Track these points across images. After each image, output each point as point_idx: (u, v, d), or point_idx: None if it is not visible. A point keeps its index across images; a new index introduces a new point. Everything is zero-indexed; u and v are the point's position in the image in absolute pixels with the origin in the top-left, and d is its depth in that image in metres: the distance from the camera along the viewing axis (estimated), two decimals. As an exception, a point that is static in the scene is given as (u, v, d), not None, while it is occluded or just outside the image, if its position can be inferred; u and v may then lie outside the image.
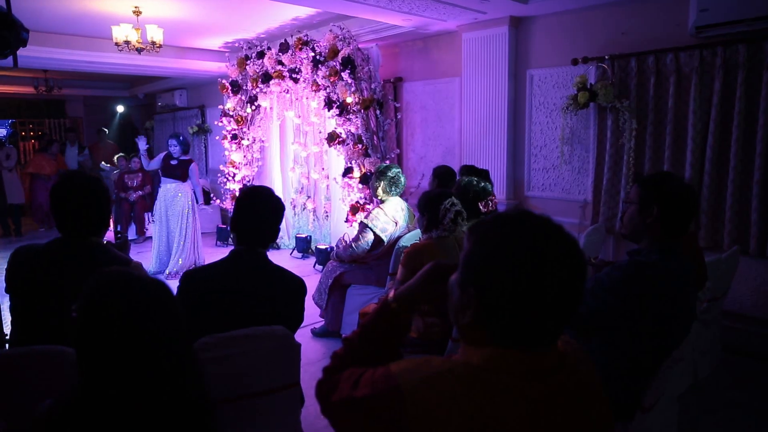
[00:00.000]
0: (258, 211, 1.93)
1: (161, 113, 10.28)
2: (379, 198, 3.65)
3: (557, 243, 0.86)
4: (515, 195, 4.83)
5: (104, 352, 1.05)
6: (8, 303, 1.94)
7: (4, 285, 1.91)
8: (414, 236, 3.56)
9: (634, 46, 3.87)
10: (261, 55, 6.40)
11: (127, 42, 4.99)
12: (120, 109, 10.57)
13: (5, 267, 1.93)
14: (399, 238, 3.54)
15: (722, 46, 3.44)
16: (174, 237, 5.60)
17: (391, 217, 3.54)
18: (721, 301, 2.98)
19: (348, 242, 3.58)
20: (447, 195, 2.62)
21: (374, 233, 3.48)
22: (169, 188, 5.61)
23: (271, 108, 6.88)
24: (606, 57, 3.94)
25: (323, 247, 5.98)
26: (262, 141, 7.20)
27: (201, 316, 1.83)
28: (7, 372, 1.59)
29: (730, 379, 3.19)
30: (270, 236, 1.98)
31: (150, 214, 7.49)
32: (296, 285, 1.98)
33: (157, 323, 1.09)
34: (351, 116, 5.16)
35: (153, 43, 5.11)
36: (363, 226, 3.52)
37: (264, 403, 1.84)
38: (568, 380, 0.90)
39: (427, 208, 2.61)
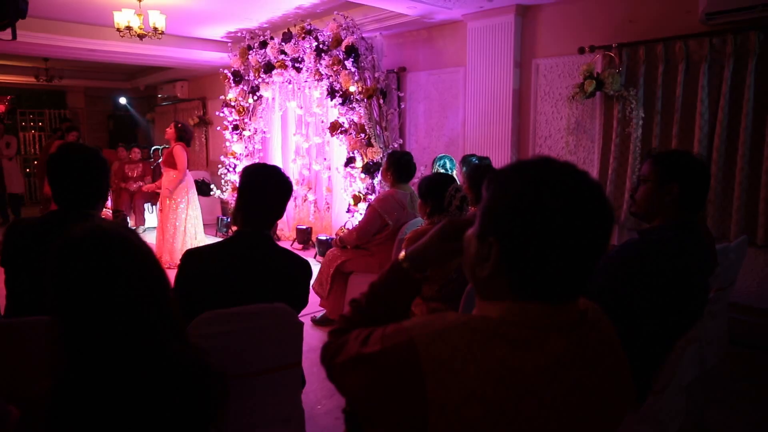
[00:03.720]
0: (266, 191, 1.87)
1: (162, 105, 10.23)
2: (390, 185, 3.61)
3: (584, 187, 0.81)
4: (519, 186, 4.77)
5: (80, 313, 0.99)
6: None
7: (0, 258, 1.87)
8: (419, 223, 3.51)
9: (642, 34, 3.81)
10: (263, 44, 6.35)
11: (129, 28, 4.94)
12: (122, 100, 10.52)
13: (2, 241, 1.89)
14: (403, 225, 3.50)
15: (733, 33, 3.38)
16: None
17: (400, 202, 3.50)
18: (728, 291, 2.93)
19: (355, 226, 3.54)
20: (450, 180, 2.57)
21: (382, 216, 3.44)
22: None
23: (273, 98, 6.82)
24: (613, 45, 3.89)
25: (324, 238, 5.93)
26: (264, 132, 7.15)
27: (202, 293, 1.79)
28: (11, 341, 1.56)
29: (737, 370, 3.15)
30: (277, 217, 1.93)
31: (150, 204, 7.46)
32: (302, 267, 1.93)
33: (131, 278, 1.03)
34: (354, 105, 5.11)
35: (155, 29, 5.06)
36: (372, 209, 3.48)
37: (265, 381, 1.79)
38: (589, 336, 0.86)
39: (431, 194, 2.56)
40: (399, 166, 3.64)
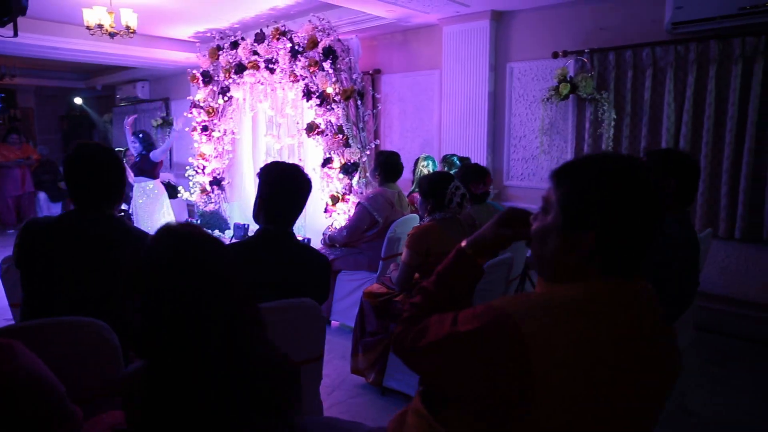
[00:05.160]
0: (287, 189, 1.92)
1: (121, 106, 9.92)
2: (379, 184, 3.68)
3: (649, 178, 0.94)
4: (494, 184, 4.95)
5: (176, 303, 1.02)
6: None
7: (15, 260, 1.83)
8: (408, 221, 3.61)
9: (612, 40, 4.05)
10: (235, 45, 6.29)
11: (100, 26, 4.81)
12: (78, 101, 10.12)
13: (16, 242, 1.85)
14: (392, 223, 3.58)
15: (695, 42, 3.65)
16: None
17: (389, 201, 3.58)
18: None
19: (345, 224, 3.60)
20: (451, 179, 2.67)
21: (371, 214, 3.51)
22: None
23: (243, 99, 6.77)
24: (586, 51, 4.11)
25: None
26: (233, 133, 7.08)
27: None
28: (39, 342, 1.53)
29: (707, 356, 3.40)
30: (298, 214, 1.98)
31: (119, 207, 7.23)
32: (323, 262, 1.99)
33: (227, 276, 1.08)
34: (333, 106, 5.16)
35: (128, 28, 4.95)
36: (362, 207, 3.54)
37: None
38: (648, 307, 0.98)
39: (432, 192, 2.66)
40: (387, 165, 3.72)
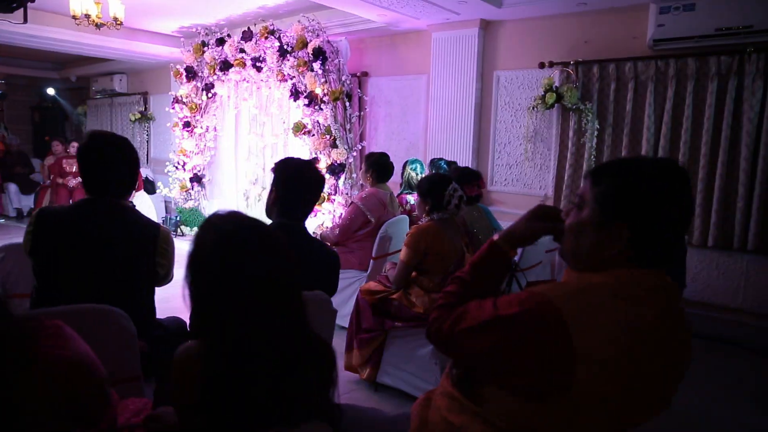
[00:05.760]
0: (301, 184, 1.97)
1: (96, 98, 9.71)
2: (371, 184, 3.75)
3: (683, 178, 1.04)
4: (479, 189, 5.07)
5: (239, 289, 1.07)
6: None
7: (28, 248, 1.83)
8: (399, 222, 3.68)
9: (596, 53, 4.22)
10: (221, 42, 6.28)
11: (87, 16, 4.74)
12: (50, 91, 9.86)
13: (29, 230, 1.84)
14: (383, 223, 3.65)
15: (675, 59, 3.85)
16: None
17: (381, 201, 3.65)
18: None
19: (337, 223, 3.64)
20: (449, 181, 2.76)
21: (364, 213, 3.57)
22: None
23: (228, 96, 6.74)
24: (571, 62, 4.27)
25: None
26: (216, 130, 7.04)
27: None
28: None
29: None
30: (310, 209, 2.03)
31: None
32: (334, 256, 2.05)
33: (285, 260, 1.14)
34: (322, 106, 5.20)
35: (115, 19, 4.89)
36: (355, 207, 3.60)
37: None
38: (672, 297, 1.09)
39: (430, 193, 2.74)
40: (379, 166, 3.79)
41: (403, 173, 4.39)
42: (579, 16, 4.31)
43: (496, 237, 1.28)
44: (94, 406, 1.17)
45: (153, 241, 1.93)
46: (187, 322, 2.39)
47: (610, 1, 4.02)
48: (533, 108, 4.44)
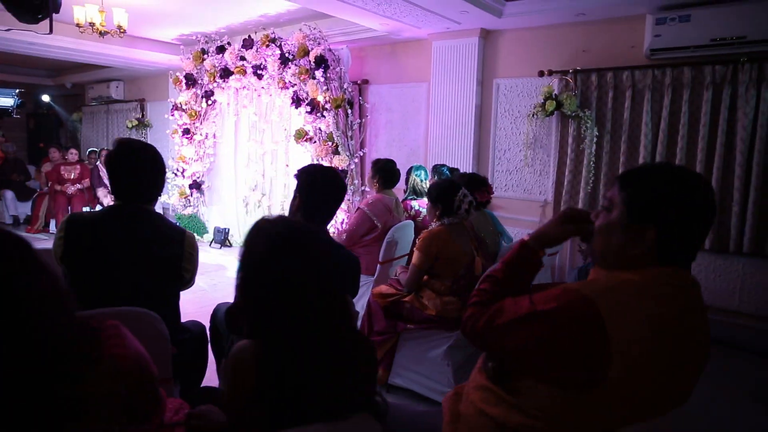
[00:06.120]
0: (325, 190, 2.04)
1: (92, 105, 9.70)
2: (377, 190, 3.81)
3: (706, 184, 1.12)
4: (479, 195, 5.16)
5: (289, 290, 1.13)
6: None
7: (60, 253, 1.87)
8: (405, 227, 3.75)
9: (594, 62, 4.34)
10: (221, 49, 6.34)
11: (91, 24, 4.78)
12: (45, 98, 9.84)
13: (59, 235, 1.89)
14: (390, 228, 3.71)
15: (671, 68, 3.96)
16: None
17: (387, 206, 3.71)
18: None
19: (344, 228, 3.70)
20: (458, 187, 2.84)
21: (371, 219, 3.64)
22: None
23: (228, 104, 6.79)
24: (570, 71, 4.38)
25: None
26: (215, 137, 7.08)
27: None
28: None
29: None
30: (333, 214, 2.10)
31: (89, 208, 7.09)
32: (355, 261, 2.11)
33: (330, 262, 1.20)
34: (325, 113, 5.27)
35: (119, 28, 4.93)
36: (362, 212, 3.66)
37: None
38: (695, 294, 1.16)
39: (441, 199, 2.81)
40: (385, 172, 3.87)
41: (407, 179, 4.47)
42: (578, 26, 4.43)
43: (526, 238, 1.35)
44: (148, 403, 1.22)
45: (180, 246, 1.98)
46: (207, 326, 2.44)
47: (608, 11, 4.14)
48: (533, 115, 4.54)
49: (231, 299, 2.59)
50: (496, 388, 1.26)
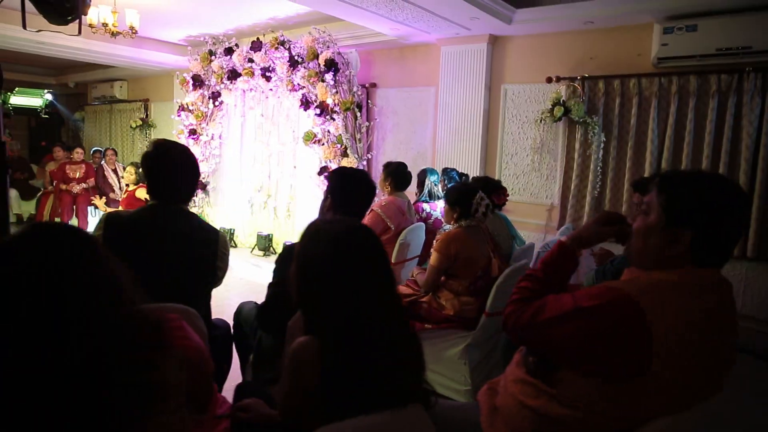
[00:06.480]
0: (363, 191, 2.11)
1: (94, 104, 9.72)
2: (389, 193, 3.87)
3: (741, 190, 1.20)
4: (485, 198, 5.23)
5: (354, 284, 1.19)
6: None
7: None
8: (417, 229, 3.81)
9: (601, 69, 4.43)
10: (229, 51, 6.38)
11: (104, 25, 4.82)
12: (48, 97, 9.84)
13: (97, 233, 1.93)
14: (402, 230, 3.77)
15: (677, 76, 4.06)
16: None
17: (400, 209, 3.78)
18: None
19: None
20: (476, 190, 2.91)
21: (384, 221, 3.70)
22: None
23: (235, 105, 6.84)
24: (578, 77, 4.47)
25: (290, 243, 6.04)
26: (220, 137, 7.12)
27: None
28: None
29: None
30: (364, 215, 2.16)
31: (94, 207, 7.11)
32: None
33: (386, 260, 1.26)
34: (334, 116, 5.33)
35: (131, 28, 4.98)
36: (375, 214, 3.72)
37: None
38: (726, 292, 1.24)
39: (459, 202, 2.88)
40: (397, 175, 3.92)
41: (419, 182, 4.52)
42: (586, 33, 4.51)
43: (564, 238, 1.42)
44: (206, 394, 1.28)
45: (215, 245, 2.04)
46: (231, 323, 2.49)
47: (616, 20, 4.23)
48: (540, 120, 4.63)
49: (245, 298, 2.65)
50: (536, 381, 1.32)
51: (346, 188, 2.09)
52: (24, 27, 2.27)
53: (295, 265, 1.26)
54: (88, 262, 1.01)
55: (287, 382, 1.24)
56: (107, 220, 1.95)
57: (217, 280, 2.11)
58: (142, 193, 5.80)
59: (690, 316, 1.16)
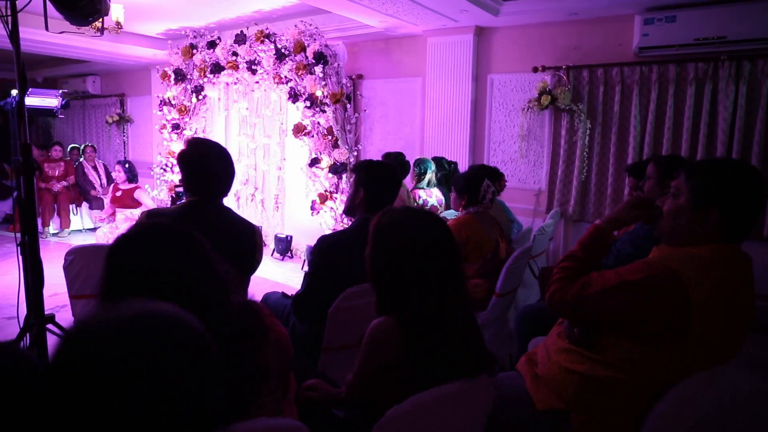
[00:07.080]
0: (390, 183, 2.22)
1: (66, 100, 9.44)
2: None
3: (757, 174, 1.37)
4: (474, 185, 5.40)
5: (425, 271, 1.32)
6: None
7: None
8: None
9: (585, 59, 4.62)
10: (212, 44, 6.34)
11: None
12: (14, 92, 9.51)
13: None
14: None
15: (657, 65, 4.28)
16: None
17: (400, 197, 3.90)
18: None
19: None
20: (482, 178, 3.05)
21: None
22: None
23: (219, 99, 6.81)
24: (563, 67, 4.65)
25: (283, 236, 6.11)
26: (205, 132, 7.08)
27: (337, 272, 2.08)
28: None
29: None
30: (391, 205, 2.27)
31: (75, 206, 7.00)
32: None
33: (453, 241, 1.39)
34: (325, 108, 5.39)
35: (117, 23, 4.91)
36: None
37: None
38: (749, 262, 1.41)
39: (467, 189, 3.02)
40: (397, 165, 4.04)
41: (416, 171, 4.62)
42: (570, 24, 4.70)
43: (598, 222, 1.57)
44: (287, 376, 1.38)
45: (253, 238, 2.12)
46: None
47: (599, 11, 4.42)
48: (527, 109, 4.80)
49: (258, 289, 2.74)
50: (580, 349, 1.47)
51: (377, 180, 2.20)
52: (46, 29, 2.28)
53: (376, 252, 1.37)
54: (205, 259, 1.11)
55: (363, 361, 1.35)
56: (149, 216, 2.02)
57: (252, 271, 2.20)
58: (139, 194, 5.76)
59: (722, 285, 1.33)
